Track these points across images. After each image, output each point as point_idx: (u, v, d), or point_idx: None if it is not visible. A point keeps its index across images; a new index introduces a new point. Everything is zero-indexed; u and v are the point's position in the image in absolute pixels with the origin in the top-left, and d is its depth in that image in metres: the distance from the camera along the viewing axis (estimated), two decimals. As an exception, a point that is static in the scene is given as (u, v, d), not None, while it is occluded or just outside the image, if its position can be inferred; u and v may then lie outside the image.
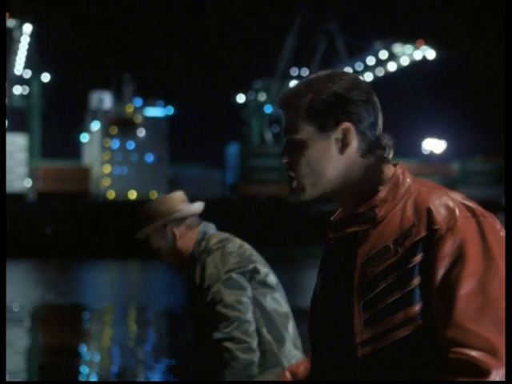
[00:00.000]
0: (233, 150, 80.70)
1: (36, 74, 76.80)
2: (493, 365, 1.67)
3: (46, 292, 23.72)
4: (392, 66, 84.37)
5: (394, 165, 1.92)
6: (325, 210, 59.98)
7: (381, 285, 1.79)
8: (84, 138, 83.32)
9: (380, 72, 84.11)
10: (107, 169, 77.51)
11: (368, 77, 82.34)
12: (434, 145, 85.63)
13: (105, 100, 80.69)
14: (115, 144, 78.60)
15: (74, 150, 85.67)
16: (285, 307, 3.55)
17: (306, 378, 2.18)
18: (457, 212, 1.78)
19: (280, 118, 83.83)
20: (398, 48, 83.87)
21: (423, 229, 1.78)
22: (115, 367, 10.86)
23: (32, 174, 73.30)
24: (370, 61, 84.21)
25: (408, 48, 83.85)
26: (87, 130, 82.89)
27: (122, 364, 11.16)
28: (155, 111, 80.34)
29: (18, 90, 76.67)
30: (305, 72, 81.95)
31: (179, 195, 3.70)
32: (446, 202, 1.80)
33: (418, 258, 1.77)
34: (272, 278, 3.54)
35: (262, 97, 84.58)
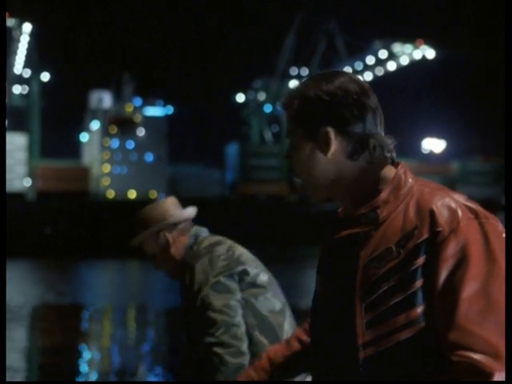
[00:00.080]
0: (232, 149, 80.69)
1: (35, 74, 76.74)
2: (495, 367, 1.67)
3: (46, 291, 23.72)
4: (392, 66, 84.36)
5: (396, 165, 1.91)
6: (325, 210, 60.00)
7: (383, 287, 1.78)
8: (83, 137, 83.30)
9: (380, 71, 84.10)
10: (107, 168, 77.49)
11: (368, 76, 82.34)
12: (433, 144, 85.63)
13: (104, 99, 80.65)
14: (115, 143, 78.58)
15: (73, 149, 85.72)
16: (279, 305, 3.54)
17: (281, 364, 2.27)
18: (459, 214, 1.78)
19: (279, 118, 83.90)
20: (397, 47, 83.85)
21: (426, 231, 1.77)
22: (114, 367, 10.86)
23: (31, 174, 73.25)
24: (370, 60, 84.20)
25: (408, 47, 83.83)
26: (87, 130, 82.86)
27: (122, 364, 11.15)
28: (155, 111, 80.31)
29: (17, 89, 76.62)
30: (304, 71, 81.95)
31: (172, 201, 3.72)
32: (448, 204, 1.80)
33: (421, 260, 1.76)
34: (263, 278, 3.54)
35: (262, 96, 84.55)
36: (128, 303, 20.68)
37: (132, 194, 75.57)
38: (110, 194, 75.28)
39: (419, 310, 1.75)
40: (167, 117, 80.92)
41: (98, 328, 15.95)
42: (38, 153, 76.14)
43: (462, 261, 1.73)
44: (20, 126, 76.07)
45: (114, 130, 78.73)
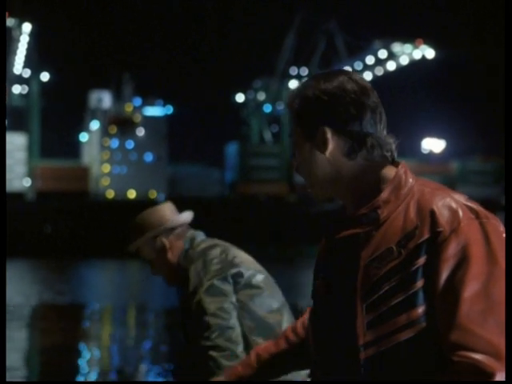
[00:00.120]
0: (232, 149, 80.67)
1: (35, 74, 76.74)
2: (497, 368, 1.67)
3: (45, 291, 23.72)
4: (391, 66, 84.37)
5: (396, 165, 1.92)
6: (325, 210, 59.99)
7: (384, 287, 1.78)
8: (83, 137, 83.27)
9: (379, 71, 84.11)
10: (106, 168, 77.47)
11: (367, 76, 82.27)
12: (433, 144, 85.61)
13: (104, 99, 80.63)
14: (114, 143, 78.56)
15: (73, 149, 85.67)
16: (276, 304, 3.54)
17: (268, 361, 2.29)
18: (460, 214, 1.78)
19: (279, 118, 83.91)
20: (397, 47, 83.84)
21: (426, 231, 1.77)
22: (114, 367, 10.86)
23: (31, 173, 73.25)
24: (370, 60, 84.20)
25: (407, 47, 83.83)
26: (86, 130, 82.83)
27: (121, 363, 11.15)
28: (154, 110, 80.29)
29: (17, 89, 76.61)
30: (304, 71, 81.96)
31: (168, 206, 3.73)
32: (449, 204, 1.80)
33: (422, 260, 1.76)
34: (259, 278, 3.54)
35: (262, 96, 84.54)
36: (128, 303, 20.68)
37: (132, 194, 75.57)
38: (110, 193, 75.27)
39: (420, 310, 1.75)
40: (167, 117, 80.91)
41: (97, 328, 15.95)
42: (38, 153, 76.15)
43: (462, 261, 1.74)
44: (20, 125, 76.09)
45: (113, 129, 78.71)
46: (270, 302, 3.52)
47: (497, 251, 1.75)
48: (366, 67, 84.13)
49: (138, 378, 9.98)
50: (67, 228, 63.26)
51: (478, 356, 1.68)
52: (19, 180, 72.80)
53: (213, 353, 3.33)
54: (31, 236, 61.65)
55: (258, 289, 3.51)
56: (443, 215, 1.77)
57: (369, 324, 1.79)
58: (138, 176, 76.63)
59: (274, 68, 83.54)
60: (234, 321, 3.39)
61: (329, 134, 1.87)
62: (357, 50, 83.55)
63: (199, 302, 3.42)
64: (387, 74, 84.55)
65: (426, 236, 1.77)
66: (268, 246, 58.52)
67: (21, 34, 75.62)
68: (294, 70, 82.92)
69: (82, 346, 12.74)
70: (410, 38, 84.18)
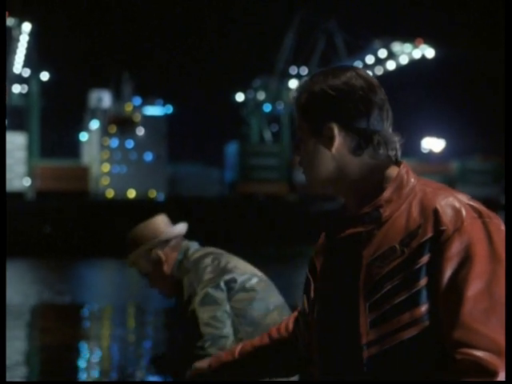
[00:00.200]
0: (232, 148, 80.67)
1: (35, 73, 76.71)
2: (500, 365, 1.68)
3: (45, 291, 23.72)
4: (391, 65, 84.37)
5: (398, 164, 1.92)
6: (324, 209, 59.99)
7: (387, 286, 1.79)
8: (83, 136, 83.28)
9: (379, 71, 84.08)
10: (106, 167, 77.48)
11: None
12: (433, 144, 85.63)
13: (104, 99, 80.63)
14: (114, 143, 78.56)
15: (72, 148, 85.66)
16: (273, 305, 3.55)
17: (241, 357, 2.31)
18: (463, 213, 1.79)
19: (279, 117, 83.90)
20: (397, 47, 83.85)
21: (430, 229, 1.78)
22: (113, 366, 10.86)
23: (31, 173, 73.24)
24: (369, 59, 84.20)
25: (407, 47, 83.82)
26: (86, 129, 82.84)
27: (121, 363, 11.16)
28: (154, 110, 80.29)
29: (16, 88, 76.59)
30: (304, 71, 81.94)
31: (162, 218, 3.76)
32: (452, 203, 1.80)
33: (425, 258, 1.77)
34: (253, 282, 3.55)
35: (261, 95, 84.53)
36: (127, 303, 20.68)
37: (131, 194, 75.57)
38: (110, 193, 75.27)
39: (423, 308, 1.75)
40: (167, 116, 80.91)
41: (97, 327, 15.95)
42: (38, 152, 76.14)
43: (466, 260, 1.74)
44: (19, 125, 76.08)
45: (113, 129, 78.71)
46: (266, 303, 3.53)
47: (500, 250, 1.76)
48: (366, 67, 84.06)
49: (137, 377, 9.98)
50: (67, 228, 63.24)
51: (481, 354, 1.68)
52: (19, 180, 72.80)
53: None
54: (31, 236, 61.63)
55: (252, 292, 3.52)
56: (447, 214, 1.78)
57: (372, 323, 1.79)
58: (138, 175, 76.64)
59: (274, 67, 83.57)
60: (227, 330, 3.41)
61: (336, 130, 1.87)
62: (356, 49, 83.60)
63: (193, 311, 3.44)
64: (387, 73, 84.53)
65: (430, 235, 1.77)
66: (268, 246, 58.49)
67: (20, 33, 75.60)
68: (293, 70, 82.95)
69: (82, 346, 12.74)
70: (409, 37, 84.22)
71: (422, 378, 1.76)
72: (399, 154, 1.93)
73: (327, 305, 1.92)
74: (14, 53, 75.94)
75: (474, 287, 1.72)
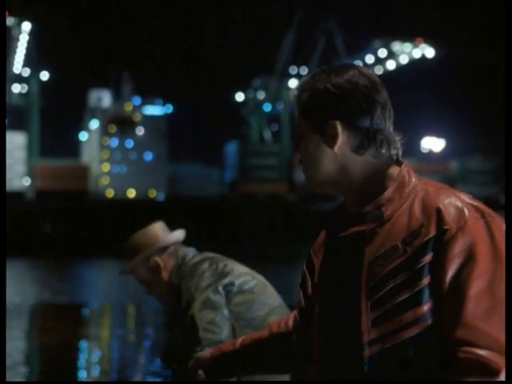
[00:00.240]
0: (232, 148, 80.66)
1: (35, 73, 76.72)
2: (502, 364, 1.68)
3: (44, 290, 23.71)
4: (391, 65, 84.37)
5: (399, 164, 1.92)
6: (324, 209, 59.97)
7: (389, 284, 1.78)
8: (83, 136, 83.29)
9: (379, 70, 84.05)
10: (106, 167, 77.48)
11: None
12: (432, 143, 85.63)
13: (104, 98, 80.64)
14: (114, 142, 78.57)
15: (72, 148, 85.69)
16: (272, 306, 3.56)
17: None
18: (466, 212, 1.79)
19: (279, 117, 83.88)
20: (396, 46, 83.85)
21: (433, 229, 1.78)
22: (113, 366, 10.85)
23: (31, 173, 73.25)
24: (369, 59, 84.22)
25: (407, 46, 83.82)
26: (86, 129, 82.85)
27: (120, 363, 11.15)
28: (154, 109, 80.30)
29: (16, 88, 76.60)
30: (304, 70, 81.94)
31: (159, 225, 3.78)
32: (455, 203, 1.81)
33: (428, 257, 1.77)
34: (251, 284, 3.56)
35: (261, 95, 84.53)
36: (127, 303, 20.67)
37: (131, 193, 75.58)
38: (110, 193, 75.27)
39: (426, 307, 1.75)
40: (166, 116, 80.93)
41: (96, 327, 15.95)
42: (38, 152, 76.14)
43: (469, 259, 1.74)
44: (19, 125, 76.09)
45: (113, 129, 78.72)
46: (265, 305, 3.54)
47: (502, 250, 1.76)
48: (366, 66, 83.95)
49: (137, 377, 9.98)
50: (67, 227, 63.24)
51: (483, 352, 1.68)
52: (19, 179, 72.80)
53: None
54: (31, 235, 61.63)
55: (251, 294, 3.53)
56: (449, 213, 1.78)
57: (373, 321, 1.79)
58: (138, 175, 76.66)
59: (274, 67, 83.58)
60: (225, 334, 3.42)
61: (339, 129, 1.86)
62: (356, 49, 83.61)
63: (192, 316, 3.46)
64: (387, 73, 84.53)
65: (433, 234, 1.77)
66: (268, 246, 58.50)
67: (20, 33, 75.61)
68: (293, 69, 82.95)
69: (81, 346, 12.73)
70: (409, 36, 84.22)
71: (423, 378, 1.76)
72: (400, 153, 1.92)
73: (328, 303, 1.92)
74: (14, 52, 75.97)
75: (476, 286, 1.72)
